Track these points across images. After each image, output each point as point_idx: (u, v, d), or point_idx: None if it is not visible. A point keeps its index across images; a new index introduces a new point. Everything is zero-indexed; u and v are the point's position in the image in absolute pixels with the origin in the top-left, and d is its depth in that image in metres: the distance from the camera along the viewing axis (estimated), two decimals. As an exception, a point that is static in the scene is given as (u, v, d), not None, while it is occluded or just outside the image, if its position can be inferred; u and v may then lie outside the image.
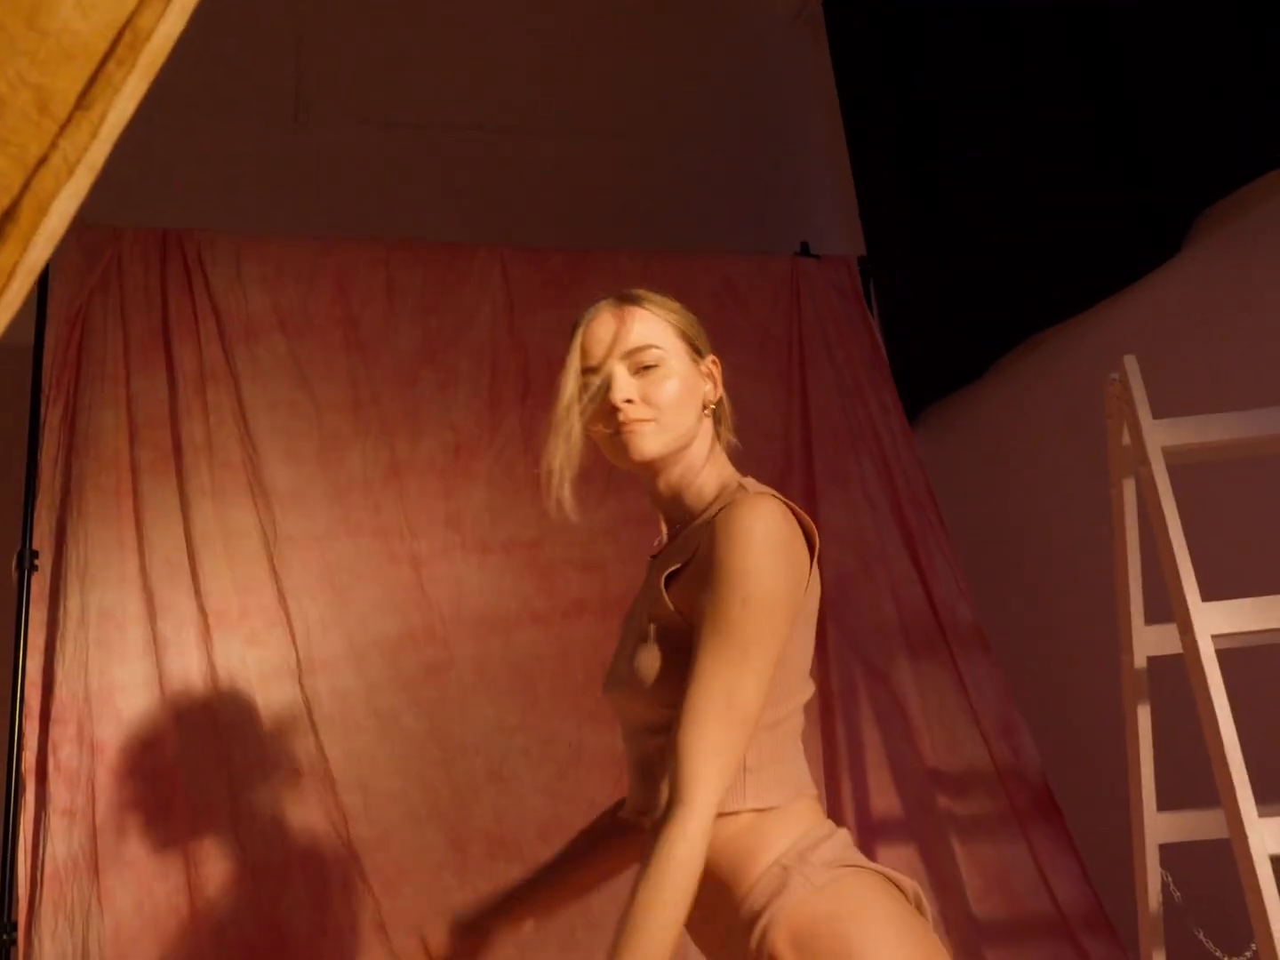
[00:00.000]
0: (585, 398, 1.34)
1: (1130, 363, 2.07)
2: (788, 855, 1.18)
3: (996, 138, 3.27)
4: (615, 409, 1.32)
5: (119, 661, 2.57)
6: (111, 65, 0.61)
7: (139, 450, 2.70)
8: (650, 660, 1.27)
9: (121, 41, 0.62)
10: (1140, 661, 2.09)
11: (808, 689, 1.37)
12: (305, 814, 2.53)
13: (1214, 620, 1.81)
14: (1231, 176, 2.59)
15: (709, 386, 1.43)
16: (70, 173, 0.58)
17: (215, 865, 2.46)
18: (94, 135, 0.59)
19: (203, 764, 2.51)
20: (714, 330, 3.36)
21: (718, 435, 1.45)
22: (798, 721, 1.35)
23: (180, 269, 2.89)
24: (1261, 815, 1.69)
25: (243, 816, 2.49)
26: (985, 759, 2.76)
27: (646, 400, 1.34)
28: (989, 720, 2.80)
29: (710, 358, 1.45)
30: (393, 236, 3.27)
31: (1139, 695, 2.10)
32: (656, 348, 1.36)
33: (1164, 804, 2.16)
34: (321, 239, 3.03)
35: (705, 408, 1.41)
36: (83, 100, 0.61)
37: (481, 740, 2.72)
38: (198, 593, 2.63)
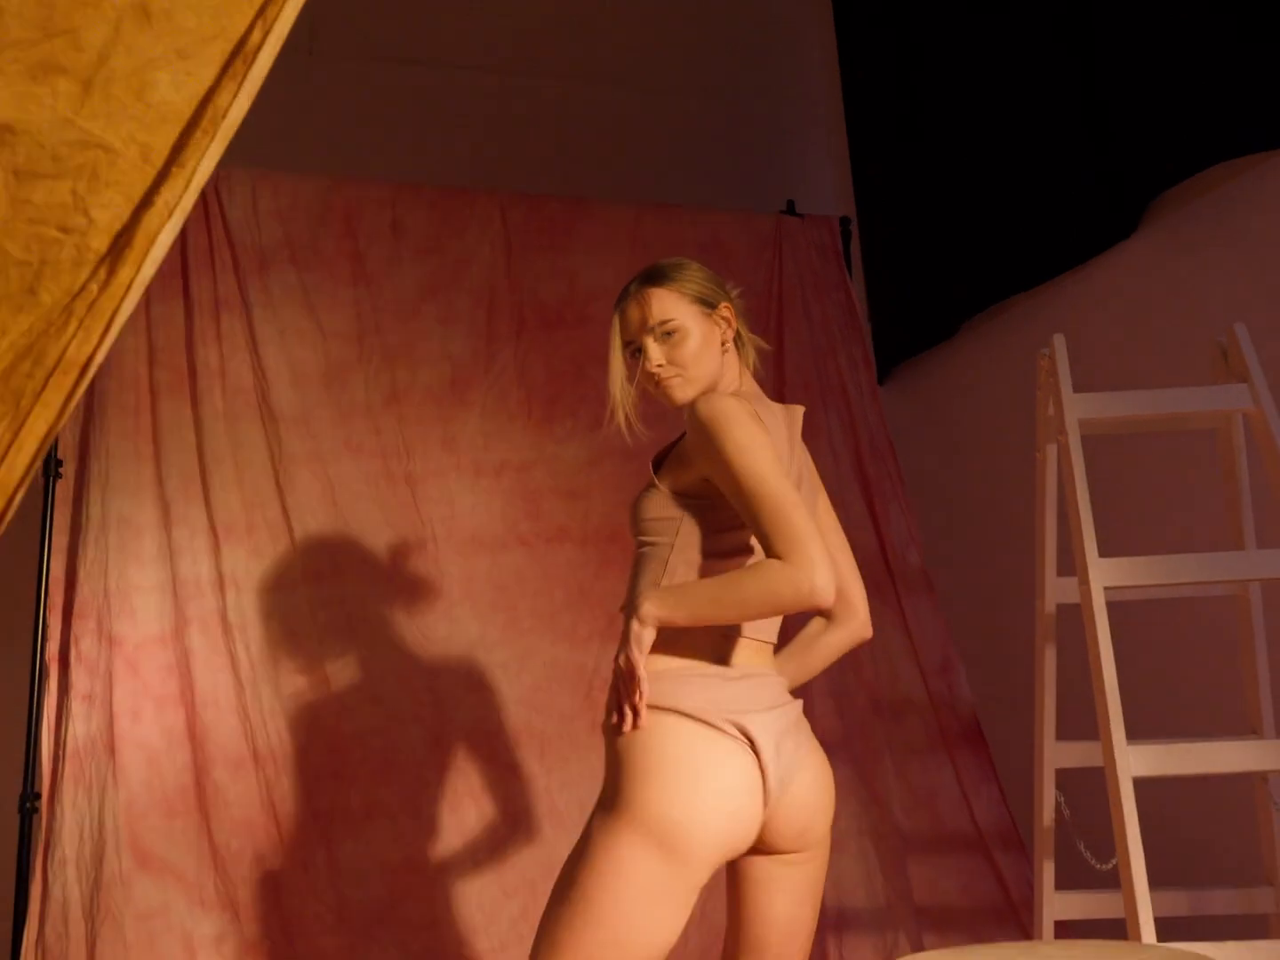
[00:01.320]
0: (627, 368, 1.78)
1: (1059, 341, 2.31)
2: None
3: (982, 115, 3.47)
4: (651, 373, 1.72)
5: (135, 565, 2.84)
6: (199, 133, 0.85)
7: (157, 372, 2.94)
8: (638, 506, 1.72)
9: (205, 115, 0.86)
10: (1050, 608, 2.36)
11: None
12: (303, 710, 2.82)
13: (1107, 574, 2.08)
14: (1182, 167, 2.81)
15: (724, 328, 1.78)
16: (170, 215, 0.83)
17: (219, 751, 2.76)
18: (186, 187, 0.84)
19: (211, 661, 2.80)
20: (699, 282, 3.53)
21: (745, 362, 1.82)
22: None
23: (198, 201, 3.10)
24: (1130, 743, 1.98)
25: (247, 709, 2.78)
26: (921, 692, 3.05)
27: (672, 362, 1.73)
28: (928, 657, 3.09)
29: (723, 304, 1.79)
30: (398, 171, 3.48)
31: (1047, 637, 2.38)
32: (672, 320, 1.73)
33: (1068, 735, 2.45)
34: (332, 177, 3.24)
35: (724, 345, 1.77)
36: (177, 157, 0.85)
37: (465, 651, 3.00)
38: (208, 506, 2.89)
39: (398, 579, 2.99)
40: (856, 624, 1.86)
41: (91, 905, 2.59)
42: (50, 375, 0.80)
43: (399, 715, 2.90)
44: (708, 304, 1.76)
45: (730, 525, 1.65)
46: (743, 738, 1.54)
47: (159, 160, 0.87)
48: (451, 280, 3.23)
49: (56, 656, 2.77)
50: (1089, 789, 2.49)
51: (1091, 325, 3.17)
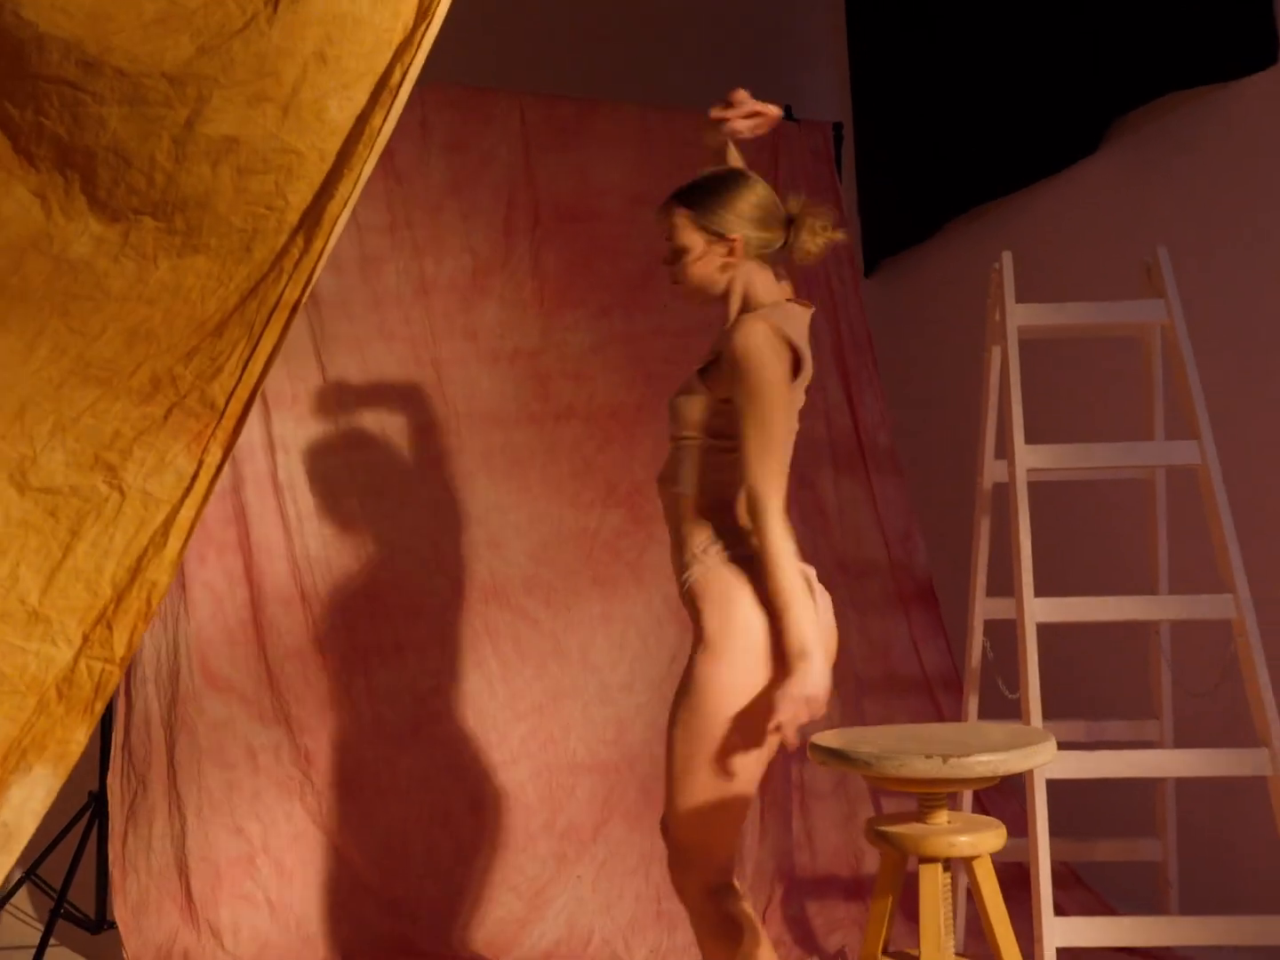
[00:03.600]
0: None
1: (1007, 257, 2.75)
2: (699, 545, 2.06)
3: (970, 34, 3.83)
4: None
5: (196, 428, 3.30)
6: (360, 146, 1.29)
7: (212, 256, 3.36)
8: (682, 407, 2.13)
9: (364, 132, 1.30)
10: (988, 485, 2.86)
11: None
12: (343, 558, 3.33)
13: (1031, 457, 2.56)
14: (1138, 94, 3.19)
15: (723, 253, 2.12)
16: (345, 204, 1.27)
17: (273, 591, 3.27)
18: (355, 184, 1.28)
19: (264, 515, 3.29)
20: (699, 181, 3.89)
21: (776, 265, 2.20)
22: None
23: (244, 97, 3.47)
24: (1038, 597, 2.49)
25: (295, 556, 3.28)
26: (883, 556, 3.57)
27: (674, 275, 2.17)
28: (890, 526, 3.60)
29: (729, 238, 2.11)
30: (426, 69, 3.83)
31: (984, 510, 2.87)
32: (675, 241, 2.14)
33: (1002, 594, 2.97)
34: (365, 77, 3.59)
35: (727, 267, 2.12)
36: (346, 161, 1.29)
37: (482, 513, 3.49)
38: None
39: (425, 450, 3.46)
40: None
41: (169, 716, 3.13)
42: (273, 311, 1.25)
43: (426, 565, 3.41)
44: (712, 232, 2.11)
45: None
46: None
47: (330, 160, 1.31)
48: (474, 177, 3.62)
49: (128, 507, 3.25)
50: (1012, 637, 3.03)
51: (1056, 234, 3.59)
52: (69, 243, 1.27)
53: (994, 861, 3.04)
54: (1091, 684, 3.22)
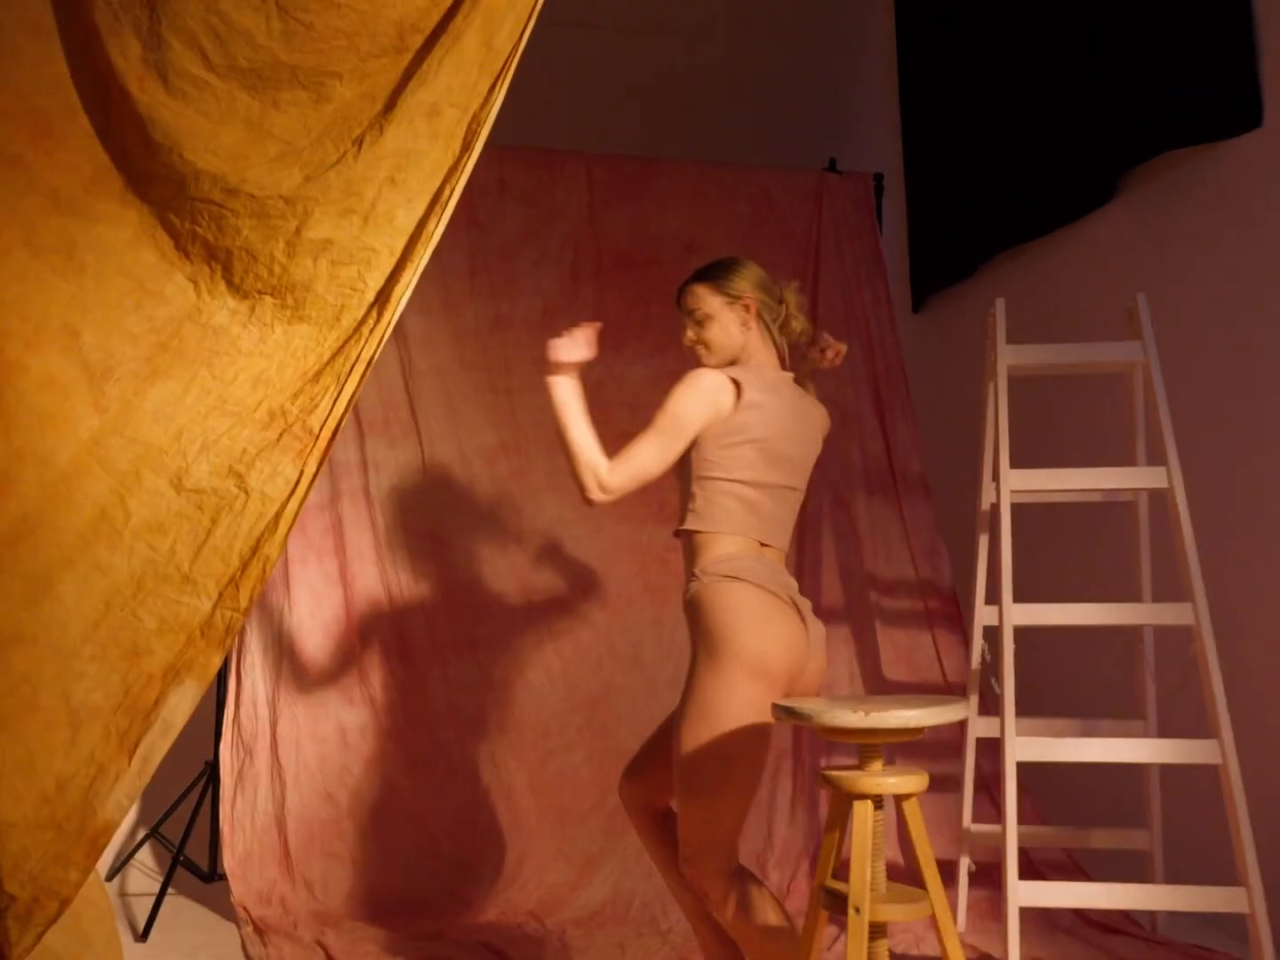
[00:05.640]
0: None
1: (999, 304, 3.16)
2: (702, 564, 2.35)
3: (1004, 98, 4.27)
4: (687, 346, 2.51)
5: (300, 449, 3.89)
6: (419, 245, 1.80)
7: (316, 299, 3.95)
8: None
9: (423, 233, 1.81)
10: (985, 505, 3.26)
11: (767, 475, 2.37)
12: (425, 563, 3.87)
13: (1015, 481, 2.97)
14: (1140, 152, 3.58)
15: (743, 314, 2.44)
16: (408, 288, 1.78)
17: (363, 591, 3.82)
18: (415, 272, 1.79)
19: (357, 524, 3.85)
20: (748, 230, 4.46)
21: (771, 336, 2.48)
22: (751, 493, 2.35)
23: (346, 160, 4.07)
24: (1016, 603, 2.89)
25: (384, 561, 3.84)
26: (911, 572, 3.98)
27: (699, 338, 2.47)
28: (918, 545, 4.01)
29: (743, 298, 2.42)
30: (503, 132, 4.39)
31: (981, 528, 3.28)
32: (699, 310, 2.45)
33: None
34: (451, 140, 4.17)
35: (745, 325, 2.43)
36: (409, 255, 1.81)
37: (547, 526, 4.01)
38: (355, 405, 3.91)
39: (498, 469, 4.00)
40: None
41: (274, 697, 3.70)
42: (354, 365, 1.77)
43: (498, 571, 3.93)
44: (730, 296, 2.42)
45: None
46: (790, 602, 2.28)
47: (397, 255, 1.83)
48: (545, 228, 4.16)
49: (242, 516, 3.85)
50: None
51: (1070, 276, 3.98)
52: (213, 314, 1.80)
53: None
54: (1089, 687, 3.59)
